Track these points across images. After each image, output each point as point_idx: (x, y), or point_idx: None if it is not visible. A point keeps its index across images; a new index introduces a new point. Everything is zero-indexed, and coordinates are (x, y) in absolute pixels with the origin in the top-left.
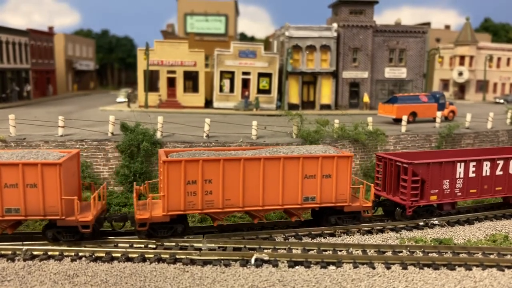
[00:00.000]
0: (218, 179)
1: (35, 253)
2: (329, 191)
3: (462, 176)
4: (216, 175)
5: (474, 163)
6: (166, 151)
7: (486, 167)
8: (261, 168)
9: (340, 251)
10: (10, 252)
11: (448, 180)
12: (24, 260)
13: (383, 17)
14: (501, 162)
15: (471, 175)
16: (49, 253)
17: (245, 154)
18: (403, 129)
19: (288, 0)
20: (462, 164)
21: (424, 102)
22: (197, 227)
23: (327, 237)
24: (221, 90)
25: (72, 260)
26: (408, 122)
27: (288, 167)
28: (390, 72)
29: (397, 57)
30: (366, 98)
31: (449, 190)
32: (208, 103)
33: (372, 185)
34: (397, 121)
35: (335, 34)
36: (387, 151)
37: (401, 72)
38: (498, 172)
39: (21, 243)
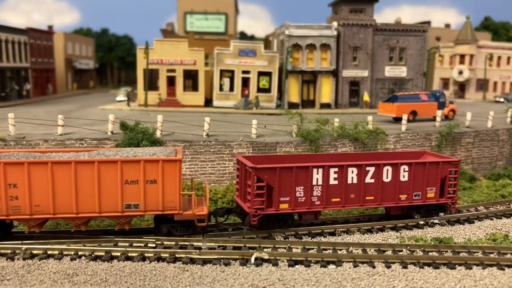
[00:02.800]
0: (24, 184)
1: (34, 252)
2: (155, 198)
3: (320, 183)
4: (22, 179)
5: (336, 169)
6: None
7: (352, 174)
8: (73, 172)
9: (340, 250)
10: (9, 251)
11: (302, 187)
12: (24, 259)
13: (383, 15)
14: (371, 169)
15: (333, 182)
16: (49, 252)
17: (61, 157)
18: (403, 128)
19: None
20: (320, 170)
21: (424, 101)
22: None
23: (327, 236)
24: (221, 89)
25: (72, 259)
26: (408, 121)
27: (105, 172)
28: (390, 71)
29: (397, 56)
30: (366, 97)
31: (304, 198)
32: (208, 102)
33: (208, 192)
34: (397, 120)
35: (335, 33)
36: (387, 150)
37: (401, 71)
38: (369, 180)
39: (20, 242)
